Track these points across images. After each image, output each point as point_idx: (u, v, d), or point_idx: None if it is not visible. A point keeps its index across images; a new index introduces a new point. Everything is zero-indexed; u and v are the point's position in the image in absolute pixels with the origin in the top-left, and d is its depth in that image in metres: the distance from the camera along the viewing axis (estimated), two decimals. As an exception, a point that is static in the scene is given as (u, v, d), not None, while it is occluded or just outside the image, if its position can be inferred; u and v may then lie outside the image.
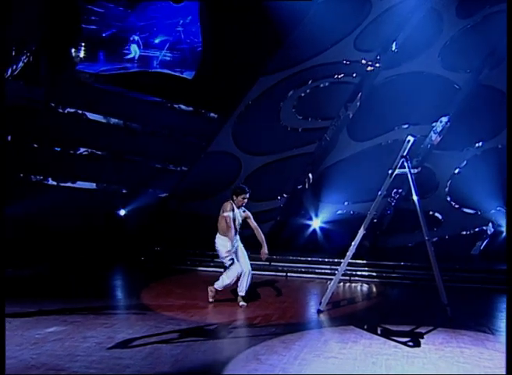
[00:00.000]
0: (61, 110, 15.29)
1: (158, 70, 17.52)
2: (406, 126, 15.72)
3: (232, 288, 10.22)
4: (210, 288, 10.15)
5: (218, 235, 10.11)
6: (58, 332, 7.85)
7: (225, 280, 9.94)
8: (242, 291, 10.05)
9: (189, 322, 8.80)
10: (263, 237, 10.11)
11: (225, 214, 9.95)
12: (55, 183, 15.47)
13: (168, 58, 17.81)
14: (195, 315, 9.24)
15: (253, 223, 10.18)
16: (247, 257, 10.13)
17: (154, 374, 6.31)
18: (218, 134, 17.30)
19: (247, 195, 10.06)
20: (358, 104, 16.42)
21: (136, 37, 17.48)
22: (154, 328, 8.26)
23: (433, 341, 7.87)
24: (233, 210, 10.00)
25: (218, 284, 10.01)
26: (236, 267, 9.90)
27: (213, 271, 13.59)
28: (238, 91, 16.99)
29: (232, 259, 9.89)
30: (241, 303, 9.99)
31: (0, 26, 9.85)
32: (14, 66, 14.04)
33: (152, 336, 7.80)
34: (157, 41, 17.76)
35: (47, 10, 14.44)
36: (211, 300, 10.09)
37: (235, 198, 10.05)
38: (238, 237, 10.16)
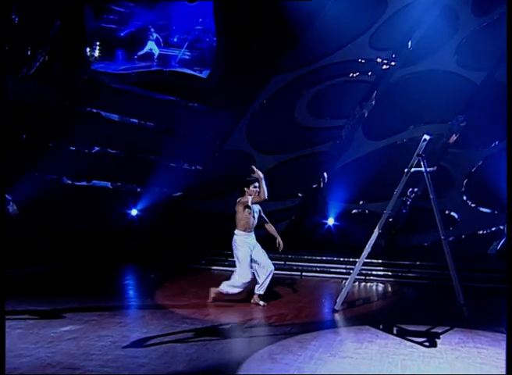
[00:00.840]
0: (76, 109, 15.33)
1: (178, 70, 17.53)
2: (421, 124, 15.59)
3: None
4: (213, 289, 10.03)
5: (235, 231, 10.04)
6: (73, 331, 7.87)
7: (229, 288, 9.86)
8: (261, 289, 9.96)
9: (204, 321, 8.79)
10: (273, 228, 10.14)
11: (242, 200, 9.86)
12: (69, 182, 15.52)
13: (188, 57, 17.82)
14: (210, 314, 9.24)
15: (264, 217, 10.14)
16: (266, 256, 10.01)
17: (169, 373, 6.31)
18: (232, 133, 17.28)
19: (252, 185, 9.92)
20: (373, 102, 16.33)
21: (155, 35, 17.49)
22: (169, 327, 8.26)
23: (450, 341, 7.82)
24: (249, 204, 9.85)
25: (223, 288, 9.93)
26: (243, 274, 9.77)
27: (229, 270, 13.58)
28: (252, 90, 16.96)
29: (243, 264, 9.80)
30: (261, 302, 9.92)
31: (0, 26, 9.88)
32: (29, 66, 14.10)
33: (167, 335, 7.80)
34: (176, 39, 17.78)
35: (62, 9, 14.48)
36: (210, 300, 10.00)
37: (246, 189, 9.93)
38: (253, 235, 10.08)
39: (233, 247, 9.96)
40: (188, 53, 17.81)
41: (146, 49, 17.53)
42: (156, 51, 17.61)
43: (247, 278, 9.78)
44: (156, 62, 17.50)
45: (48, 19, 14.33)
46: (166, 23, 17.72)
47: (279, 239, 10.04)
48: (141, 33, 17.38)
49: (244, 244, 9.87)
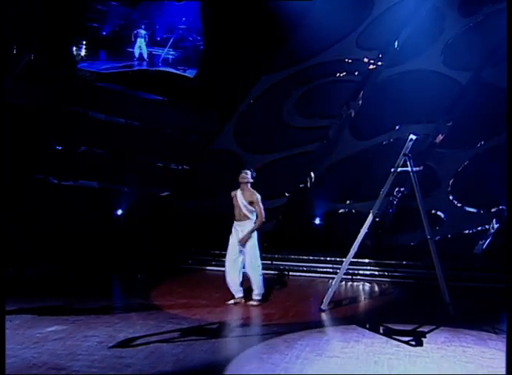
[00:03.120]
0: (62, 109, 15.27)
1: (161, 69, 17.49)
2: (408, 124, 15.63)
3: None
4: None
5: None
6: (59, 331, 7.84)
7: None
8: (257, 295, 10.02)
9: (190, 321, 8.78)
10: (253, 225, 10.00)
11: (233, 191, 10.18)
12: (56, 181, 15.46)
13: (171, 57, 17.80)
14: (197, 314, 9.22)
15: (254, 210, 10.04)
16: (254, 252, 9.95)
17: (156, 373, 6.29)
18: (219, 133, 17.28)
19: (242, 173, 10.12)
20: (360, 102, 16.39)
21: (143, 33, 17.47)
22: (156, 327, 8.25)
23: (435, 340, 7.84)
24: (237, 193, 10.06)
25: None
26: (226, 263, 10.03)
27: (215, 270, 13.58)
28: (240, 90, 16.96)
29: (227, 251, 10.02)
30: (253, 302, 9.98)
31: (0, 26, 9.85)
32: (15, 65, 14.02)
33: (153, 335, 7.78)
34: (159, 38, 17.76)
35: (48, 9, 14.42)
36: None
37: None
38: (245, 226, 9.95)
39: None
40: (172, 52, 17.79)
41: (136, 47, 17.52)
42: (144, 49, 17.59)
43: (226, 267, 10.03)
44: (139, 61, 17.47)
45: (34, 18, 14.27)
46: (149, 22, 17.69)
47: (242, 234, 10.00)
48: (127, 32, 17.36)
49: (234, 233, 10.02)
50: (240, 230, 9.96)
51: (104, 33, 17.03)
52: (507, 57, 8.68)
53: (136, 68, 17.40)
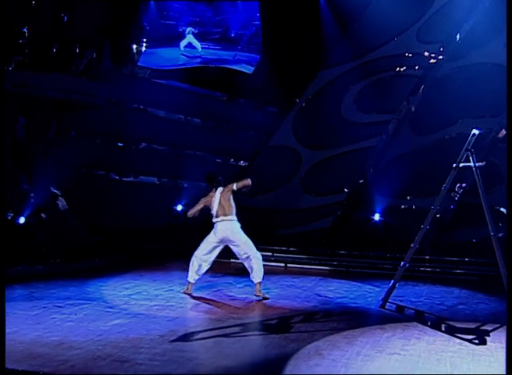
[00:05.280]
0: (123, 106, 15.52)
1: (227, 66, 17.65)
2: (470, 119, 15.31)
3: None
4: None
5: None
6: (122, 324, 8.00)
7: None
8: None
9: (250, 316, 8.83)
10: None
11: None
12: (117, 177, 15.72)
13: (246, 53, 17.95)
14: (256, 309, 9.27)
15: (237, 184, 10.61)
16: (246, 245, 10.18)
17: (216, 367, 6.35)
18: (278, 129, 17.25)
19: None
20: (421, 97, 16.13)
21: (189, 29, 17.69)
22: (216, 322, 8.34)
23: (499, 338, 7.68)
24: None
25: None
26: None
27: (275, 266, 13.59)
28: (299, 85, 16.93)
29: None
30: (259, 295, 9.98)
31: (0, 23, 10.02)
32: (78, 63, 14.30)
33: (214, 330, 7.86)
34: (234, 35, 17.94)
35: (110, 7, 14.67)
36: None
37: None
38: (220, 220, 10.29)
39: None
40: (246, 48, 17.95)
41: (185, 43, 17.76)
42: (197, 44, 17.81)
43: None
44: (210, 57, 17.72)
45: (97, 17, 14.54)
46: (223, 19, 17.89)
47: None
48: (201, 30, 17.70)
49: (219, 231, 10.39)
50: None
51: (180, 29, 17.36)
52: (507, 56, 8.49)
53: (194, 65, 17.59)
